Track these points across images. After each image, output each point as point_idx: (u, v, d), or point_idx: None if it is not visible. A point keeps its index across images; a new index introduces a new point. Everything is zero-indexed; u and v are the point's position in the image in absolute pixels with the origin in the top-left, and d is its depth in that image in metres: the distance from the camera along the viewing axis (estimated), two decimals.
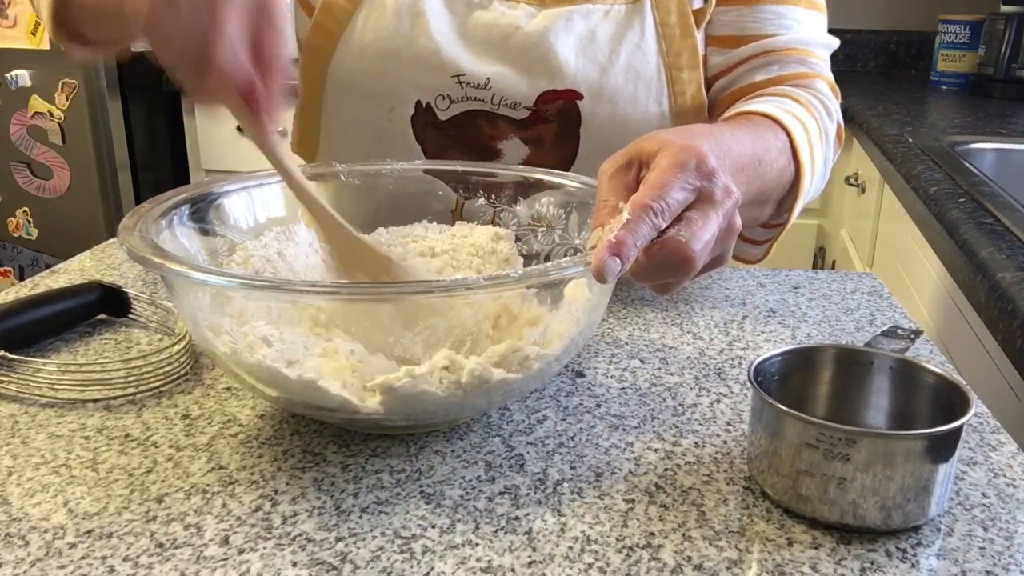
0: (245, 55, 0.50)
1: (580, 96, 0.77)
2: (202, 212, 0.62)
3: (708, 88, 0.81)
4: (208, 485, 0.49)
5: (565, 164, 0.80)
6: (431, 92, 0.79)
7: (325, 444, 0.53)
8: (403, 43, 0.77)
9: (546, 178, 0.68)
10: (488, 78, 0.77)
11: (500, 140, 0.79)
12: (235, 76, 0.50)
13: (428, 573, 0.42)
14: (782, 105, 0.73)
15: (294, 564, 0.42)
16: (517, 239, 0.69)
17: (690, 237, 0.49)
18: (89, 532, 0.45)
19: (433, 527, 0.45)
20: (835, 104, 0.80)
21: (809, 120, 0.74)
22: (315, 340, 0.53)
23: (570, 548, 0.44)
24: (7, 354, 0.60)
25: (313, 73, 0.81)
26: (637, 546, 0.44)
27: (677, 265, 0.49)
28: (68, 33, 0.72)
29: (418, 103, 0.79)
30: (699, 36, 0.78)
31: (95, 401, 0.58)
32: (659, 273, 0.50)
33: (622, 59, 0.77)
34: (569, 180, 0.67)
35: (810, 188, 0.74)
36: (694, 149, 0.51)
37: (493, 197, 0.71)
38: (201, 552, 0.43)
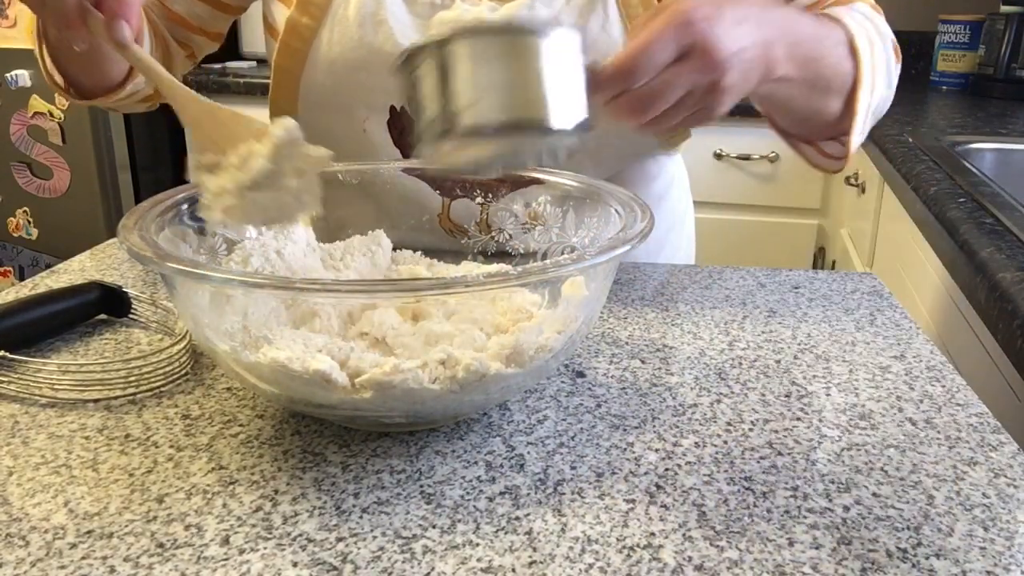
0: None
1: None
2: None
3: None
4: (208, 485, 0.49)
5: None
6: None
7: (325, 444, 0.53)
8: (369, 52, 0.77)
9: (542, 176, 0.68)
10: None
11: None
12: None
13: (429, 573, 0.42)
14: (831, 9, 0.73)
15: (294, 564, 0.42)
16: (512, 237, 0.69)
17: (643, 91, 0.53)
18: (89, 532, 0.45)
19: (434, 527, 0.45)
20: (881, 19, 0.79)
21: (862, 20, 0.74)
22: (314, 337, 0.53)
23: (570, 548, 0.44)
24: (7, 354, 0.60)
25: (285, 94, 0.81)
26: (638, 546, 0.44)
27: (634, 108, 0.54)
28: (71, 86, 0.81)
29: (392, 108, 0.79)
30: None
31: (95, 401, 0.58)
32: (623, 110, 0.54)
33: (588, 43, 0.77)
34: (565, 178, 0.67)
35: (873, 88, 0.73)
36: (680, 12, 0.54)
37: (490, 195, 0.71)
38: (202, 552, 0.43)
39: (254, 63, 2.39)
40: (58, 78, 0.80)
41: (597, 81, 0.53)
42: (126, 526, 0.45)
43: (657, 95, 0.54)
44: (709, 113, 0.57)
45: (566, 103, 0.49)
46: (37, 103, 2.36)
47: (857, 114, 0.72)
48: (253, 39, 2.38)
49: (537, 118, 0.48)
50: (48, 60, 0.80)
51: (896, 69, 0.79)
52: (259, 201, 0.55)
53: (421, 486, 0.49)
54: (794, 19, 0.66)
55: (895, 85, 0.80)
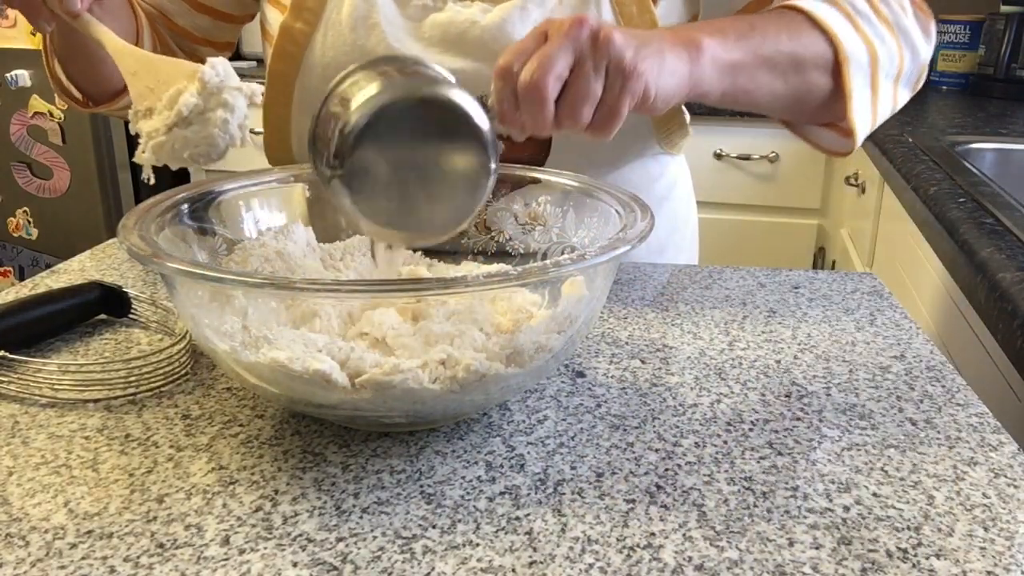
0: None
1: None
2: (201, 212, 0.62)
3: None
4: (208, 485, 0.49)
5: (542, 152, 0.80)
6: None
7: (326, 444, 0.53)
8: (362, 55, 0.77)
9: (542, 176, 0.68)
10: None
11: None
12: None
13: (429, 573, 0.42)
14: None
15: (295, 564, 0.42)
16: (512, 237, 0.69)
17: (529, 65, 0.55)
18: (89, 532, 0.45)
19: (434, 527, 0.45)
20: None
21: None
22: (315, 337, 0.53)
23: (571, 548, 0.44)
24: (7, 354, 0.60)
25: (279, 99, 0.81)
26: (638, 546, 0.44)
27: (529, 90, 0.54)
28: (81, 94, 0.85)
29: None
30: (658, 10, 0.78)
31: (95, 401, 0.58)
32: (527, 106, 0.55)
33: None
34: (565, 178, 0.67)
35: (874, 57, 0.72)
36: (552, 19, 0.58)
37: (490, 196, 0.71)
38: (202, 552, 0.43)
39: (254, 63, 2.39)
40: (75, 91, 0.82)
41: (498, 112, 0.56)
42: (126, 526, 0.45)
43: (540, 67, 0.54)
44: (623, 70, 0.56)
45: (443, 83, 0.52)
46: (37, 103, 2.36)
47: (851, 87, 0.71)
48: (253, 40, 2.38)
49: (410, 91, 0.51)
50: (62, 74, 0.81)
51: (926, 25, 0.78)
52: (187, 136, 0.57)
53: (421, 486, 0.49)
54: (698, 23, 0.67)
55: (928, 40, 0.78)
